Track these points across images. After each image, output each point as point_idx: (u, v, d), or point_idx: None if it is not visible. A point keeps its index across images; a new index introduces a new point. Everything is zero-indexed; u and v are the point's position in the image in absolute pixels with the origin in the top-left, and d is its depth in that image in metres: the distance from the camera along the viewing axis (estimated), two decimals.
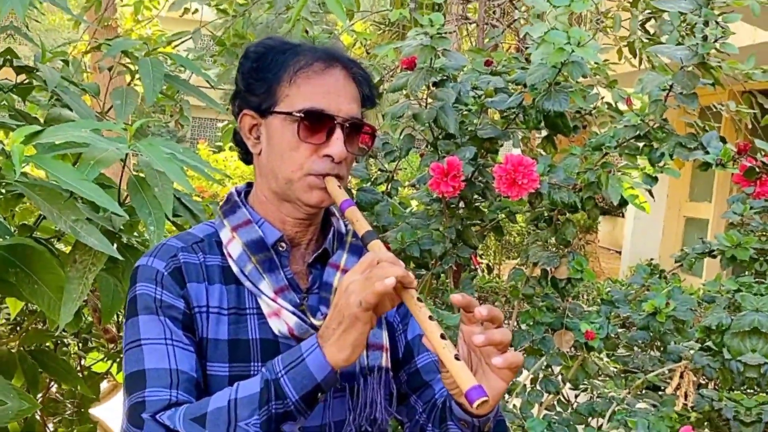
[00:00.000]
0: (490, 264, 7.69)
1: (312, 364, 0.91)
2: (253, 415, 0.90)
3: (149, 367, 0.97)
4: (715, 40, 1.61)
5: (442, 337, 0.88)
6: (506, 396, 2.19)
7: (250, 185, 1.16)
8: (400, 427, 1.29)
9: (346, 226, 1.17)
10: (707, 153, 1.70)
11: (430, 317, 0.90)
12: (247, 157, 1.16)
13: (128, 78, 1.87)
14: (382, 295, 0.88)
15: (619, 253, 8.95)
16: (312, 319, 1.05)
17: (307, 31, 2.19)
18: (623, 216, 9.07)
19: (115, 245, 1.43)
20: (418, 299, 0.92)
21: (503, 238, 7.10)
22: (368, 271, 0.90)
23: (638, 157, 1.87)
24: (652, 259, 2.34)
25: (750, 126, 2.30)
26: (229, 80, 2.99)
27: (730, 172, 1.79)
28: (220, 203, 1.18)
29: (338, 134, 1.05)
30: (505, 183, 1.65)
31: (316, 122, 1.04)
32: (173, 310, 1.01)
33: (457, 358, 0.87)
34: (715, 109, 2.21)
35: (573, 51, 1.64)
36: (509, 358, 0.90)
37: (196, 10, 3.63)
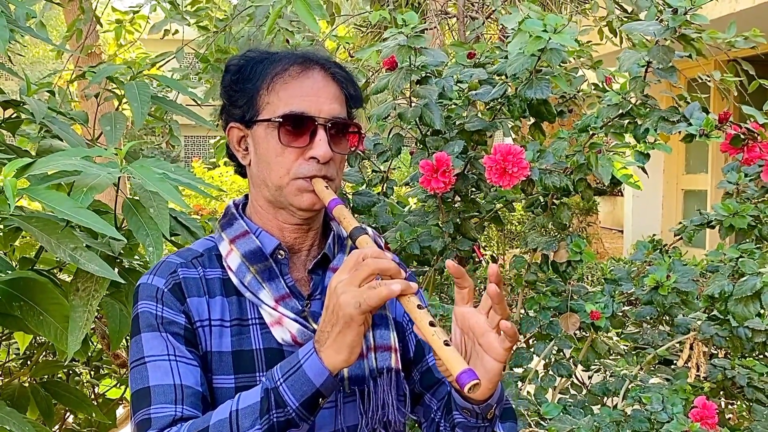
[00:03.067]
0: (494, 254, 7.68)
1: (310, 369, 0.91)
2: (255, 425, 0.90)
3: (153, 384, 0.98)
4: (685, 12, 1.62)
5: (431, 324, 0.87)
6: (519, 383, 2.19)
7: (248, 197, 1.17)
8: (418, 427, 1.28)
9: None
10: (690, 125, 1.71)
11: (419, 306, 0.90)
12: (241, 170, 1.16)
13: (116, 103, 1.88)
14: (386, 299, 0.87)
15: (622, 232, 8.94)
16: (314, 326, 1.04)
17: (288, 41, 2.21)
18: (622, 195, 9.07)
19: (116, 270, 1.44)
20: None
21: (504, 227, 7.10)
22: (354, 270, 0.90)
23: (626, 135, 1.88)
24: (654, 235, 2.33)
25: (737, 94, 2.30)
26: (216, 96, 3.00)
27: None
28: (219, 218, 1.18)
29: (321, 135, 1.05)
30: (495, 173, 1.65)
31: (297, 126, 1.05)
32: (175, 326, 1.02)
33: (446, 344, 0.86)
34: (701, 80, 2.22)
35: (550, 38, 1.64)
36: (508, 324, 0.90)
37: (177, 31, 3.64)
